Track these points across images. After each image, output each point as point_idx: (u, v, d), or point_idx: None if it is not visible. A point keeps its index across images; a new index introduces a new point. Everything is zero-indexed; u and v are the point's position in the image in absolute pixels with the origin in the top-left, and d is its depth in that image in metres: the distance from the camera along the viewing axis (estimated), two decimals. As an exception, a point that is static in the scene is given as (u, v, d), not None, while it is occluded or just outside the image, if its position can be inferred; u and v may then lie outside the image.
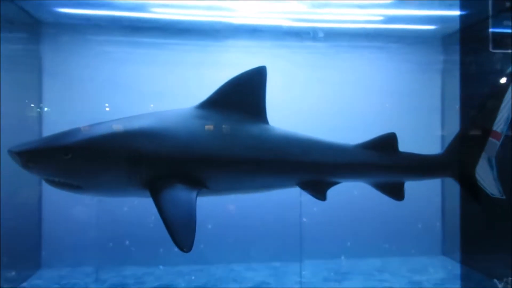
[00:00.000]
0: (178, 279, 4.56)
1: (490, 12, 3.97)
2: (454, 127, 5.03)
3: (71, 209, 4.58)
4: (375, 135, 3.93)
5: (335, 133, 3.89)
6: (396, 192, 3.97)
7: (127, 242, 4.68)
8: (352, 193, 4.58)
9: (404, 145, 3.93)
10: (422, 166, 4.04)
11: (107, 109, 4.71)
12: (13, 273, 4.30)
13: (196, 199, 3.43)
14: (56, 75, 4.71)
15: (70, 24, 4.67)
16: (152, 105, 4.62)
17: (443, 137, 5.28)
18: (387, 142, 3.89)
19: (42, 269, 4.85)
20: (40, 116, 4.74)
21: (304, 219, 4.74)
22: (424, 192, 5.17)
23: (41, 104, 4.72)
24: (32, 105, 4.67)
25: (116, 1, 4.20)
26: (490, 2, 3.94)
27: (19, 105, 4.56)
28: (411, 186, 4.00)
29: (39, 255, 4.89)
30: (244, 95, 3.76)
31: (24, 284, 4.49)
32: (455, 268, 5.15)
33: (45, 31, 4.72)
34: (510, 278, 4.11)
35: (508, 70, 3.99)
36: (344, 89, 4.99)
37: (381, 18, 4.71)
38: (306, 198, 3.88)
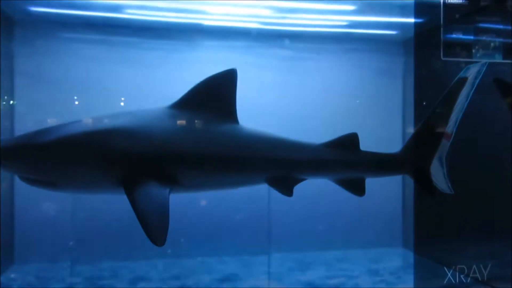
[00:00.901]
0: (151, 271, 4.68)
1: (442, 22, 4.28)
2: (413, 127, 5.35)
3: (44, 204, 4.62)
4: (338, 135, 4.20)
5: (301, 132, 4.13)
6: (357, 188, 4.23)
7: (101, 237, 4.76)
8: (317, 190, 4.73)
9: (369, 145, 4.20)
10: (381, 164, 4.32)
11: (76, 102, 4.75)
12: None
13: (169, 195, 3.60)
14: (28, 74, 4.72)
15: (43, 23, 4.67)
16: (123, 98, 4.70)
17: (404, 137, 5.56)
18: (349, 141, 4.13)
19: (16, 264, 4.85)
20: (12, 115, 4.75)
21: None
22: (387, 188, 5.45)
23: (13, 102, 4.71)
24: (4, 103, 4.67)
25: (91, 1, 4.26)
26: (441, 12, 4.23)
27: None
28: (375, 183, 4.28)
29: (12, 250, 4.88)
30: (215, 96, 3.92)
31: (1, 277, 4.49)
32: (412, 258, 5.48)
33: (18, 30, 4.72)
34: (459, 266, 4.44)
35: (459, 76, 4.30)
36: (310, 90, 5.21)
37: (345, 23, 4.96)
38: (274, 194, 4.10)
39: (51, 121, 4.52)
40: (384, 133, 5.34)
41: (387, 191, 5.49)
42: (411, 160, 4.30)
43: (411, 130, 5.45)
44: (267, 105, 4.84)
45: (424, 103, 5.44)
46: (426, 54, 5.10)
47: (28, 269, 4.73)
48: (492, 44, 4.47)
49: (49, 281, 4.41)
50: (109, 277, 4.58)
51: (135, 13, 4.54)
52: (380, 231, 5.67)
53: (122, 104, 4.64)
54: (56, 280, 4.42)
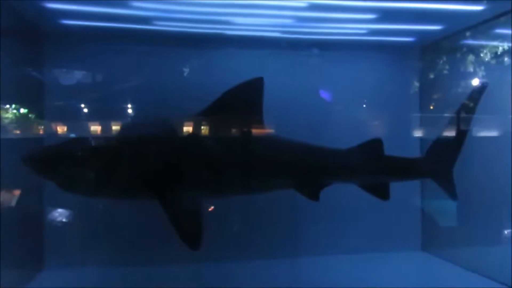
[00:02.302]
0: (184, 275, 4.71)
1: (465, 28, 4.36)
2: (431, 131, 5.41)
3: (74, 207, 4.68)
4: (362, 140, 4.30)
5: (326, 138, 4.22)
6: (381, 192, 4.34)
7: (136, 240, 4.81)
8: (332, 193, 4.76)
9: (388, 149, 4.29)
10: (405, 168, 4.41)
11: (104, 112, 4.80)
12: (14, 274, 4.29)
13: (201, 201, 3.70)
14: (58, 86, 4.82)
15: (73, 35, 4.78)
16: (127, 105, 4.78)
17: (421, 142, 5.62)
18: (373, 147, 4.25)
19: (45, 270, 4.87)
20: (40, 126, 4.82)
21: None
22: (404, 191, 5.49)
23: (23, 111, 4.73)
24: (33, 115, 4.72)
25: (120, 13, 4.35)
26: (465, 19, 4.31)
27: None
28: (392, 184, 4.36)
29: (42, 255, 4.92)
30: (242, 105, 4.03)
31: (31, 284, 4.53)
32: (433, 261, 5.56)
33: (48, 41, 4.84)
34: (484, 269, 4.49)
35: (482, 81, 4.40)
36: (334, 97, 5.29)
37: (364, 31, 5.06)
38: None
39: (81, 131, 4.61)
40: (402, 138, 5.42)
41: (405, 193, 5.52)
42: (435, 164, 4.39)
43: (427, 133, 5.52)
44: (292, 111, 4.91)
45: (432, 107, 5.56)
46: (448, 58, 5.21)
47: (59, 275, 4.72)
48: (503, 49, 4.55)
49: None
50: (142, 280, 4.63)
51: (163, 24, 4.65)
52: (398, 234, 5.71)
53: (154, 112, 4.68)
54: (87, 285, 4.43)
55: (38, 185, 4.71)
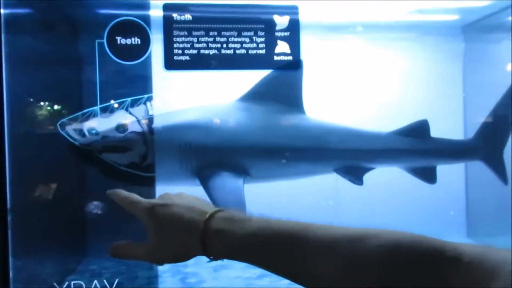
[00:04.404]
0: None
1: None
2: (475, 112, 5.18)
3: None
4: (407, 122, 4.15)
5: (370, 120, 4.10)
6: (428, 176, 4.20)
7: None
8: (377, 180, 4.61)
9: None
10: (453, 150, 4.27)
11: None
12: (56, 266, 4.28)
13: (243, 185, 3.66)
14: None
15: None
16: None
17: (465, 124, 5.38)
18: (420, 129, 4.12)
19: (85, 261, 4.75)
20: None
21: (330, 202, 4.76)
22: (448, 176, 5.29)
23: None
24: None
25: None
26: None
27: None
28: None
29: (83, 246, 4.88)
30: (282, 87, 3.98)
31: (71, 277, 4.37)
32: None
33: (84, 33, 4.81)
34: None
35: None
36: (376, 79, 5.11)
37: (406, 10, 4.86)
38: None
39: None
40: (445, 120, 5.20)
41: (448, 178, 5.32)
42: (485, 146, 4.23)
43: (471, 114, 5.28)
44: (335, 95, 4.77)
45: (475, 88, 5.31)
46: (494, 36, 4.98)
47: (99, 266, 4.59)
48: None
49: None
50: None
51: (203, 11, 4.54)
52: (443, 221, 5.52)
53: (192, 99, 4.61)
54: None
55: (80, 176, 4.72)
